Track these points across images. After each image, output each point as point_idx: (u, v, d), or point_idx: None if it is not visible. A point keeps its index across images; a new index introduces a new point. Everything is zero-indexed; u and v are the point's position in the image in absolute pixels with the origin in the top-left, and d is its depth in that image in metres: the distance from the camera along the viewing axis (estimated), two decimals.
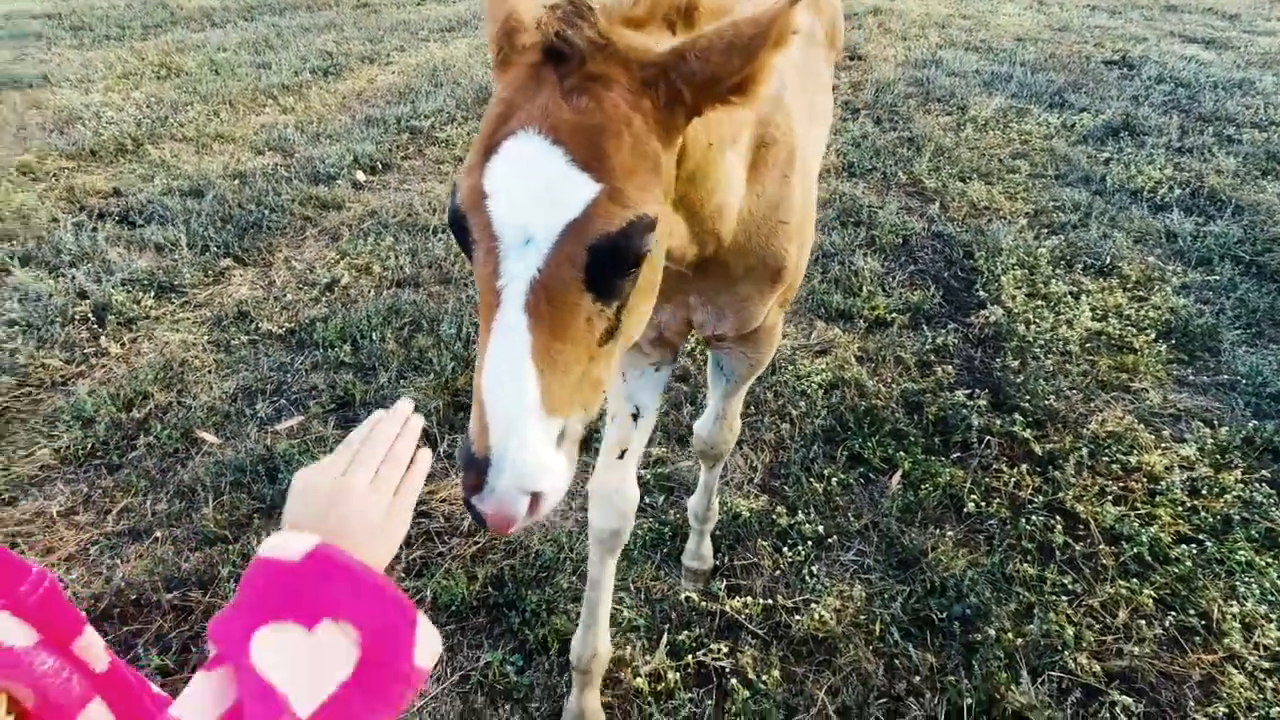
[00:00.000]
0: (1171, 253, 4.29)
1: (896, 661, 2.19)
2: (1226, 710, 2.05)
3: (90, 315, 3.59)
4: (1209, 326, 3.59)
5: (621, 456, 1.80)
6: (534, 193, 0.95)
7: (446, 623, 2.27)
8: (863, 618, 2.30)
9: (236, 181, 5.01)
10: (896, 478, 2.82)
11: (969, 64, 8.13)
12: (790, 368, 3.36)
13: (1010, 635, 2.21)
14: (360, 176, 5.31)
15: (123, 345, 3.45)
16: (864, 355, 3.46)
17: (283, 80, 6.96)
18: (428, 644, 0.77)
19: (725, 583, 2.41)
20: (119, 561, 2.44)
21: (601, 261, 0.97)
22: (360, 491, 0.82)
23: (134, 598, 2.31)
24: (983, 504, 2.67)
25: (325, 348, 3.43)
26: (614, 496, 1.79)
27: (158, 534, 2.51)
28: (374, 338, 3.46)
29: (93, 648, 0.87)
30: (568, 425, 1.00)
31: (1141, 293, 3.91)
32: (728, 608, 2.30)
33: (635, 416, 1.80)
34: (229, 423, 3.02)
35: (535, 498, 0.96)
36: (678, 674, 2.11)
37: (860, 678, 2.14)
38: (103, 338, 3.47)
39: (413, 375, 3.25)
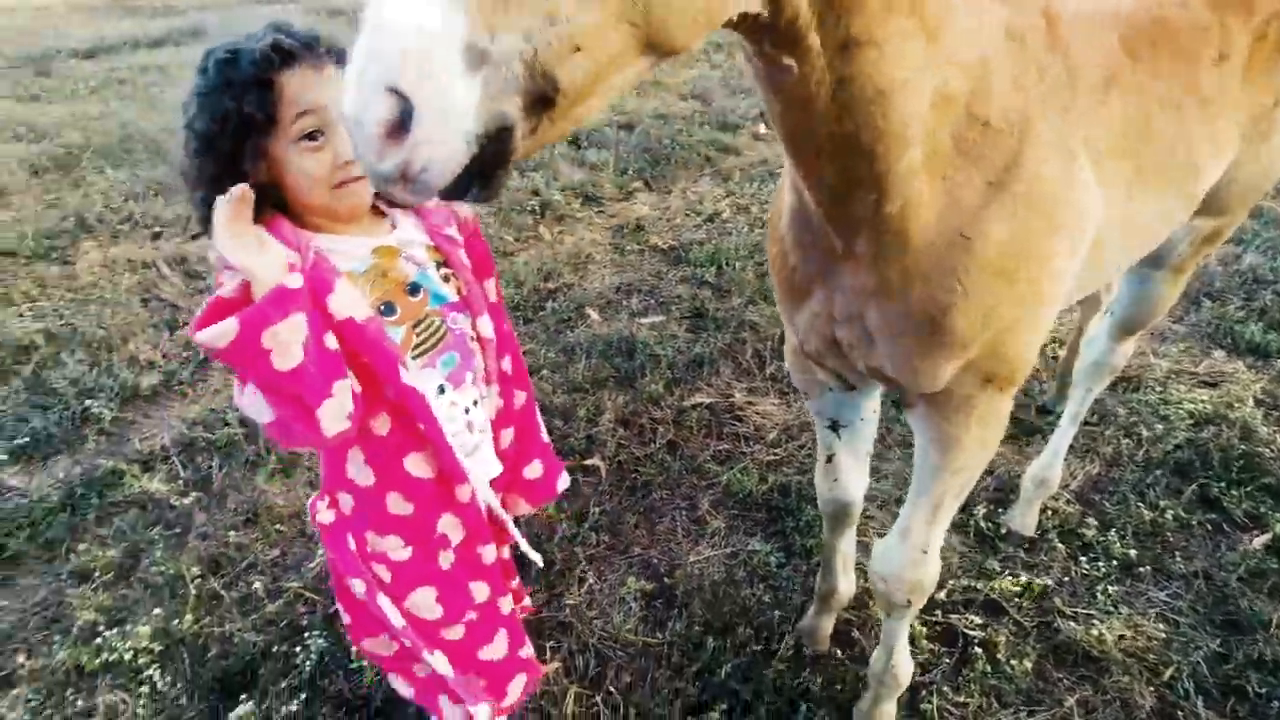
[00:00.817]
0: None
1: (1179, 713, 1.96)
2: None
3: (536, 209, 4.62)
4: None
5: (830, 460, 1.86)
6: None
7: (731, 507, 2.62)
8: (1152, 656, 2.09)
9: (660, 121, 5.84)
10: (1263, 539, 2.39)
11: None
12: (1157, 389, 2.97)
13: None
14: (761, 129, 5.78)
15: (552, 234, 4.40)
16: (1267, 399, 2.90)
17: (718, 39, 7.73)
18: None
19: (1006, 571, 2.35)
20: None
21: None
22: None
23: None
24: None
25: (695, 265, 3.96)
26: (825, 494, 1.91)
27: (544, 373, 3.27)
28: (736, 266, 3.90)
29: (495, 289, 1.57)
30: (493, 42, 0.69)
31: None
32: (996, 588, 2.27)
33: (834, 428, 1.81)
34: (609, 308, 3.72)
35: (405, 117, 0.67)
36: (924, 626, 2.18)
37: (1125, 708, 1.97)
38: (540, 226, 4.47)
39: (761, 303, 3.61)
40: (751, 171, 5.01)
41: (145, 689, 2.09)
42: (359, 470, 1.37)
